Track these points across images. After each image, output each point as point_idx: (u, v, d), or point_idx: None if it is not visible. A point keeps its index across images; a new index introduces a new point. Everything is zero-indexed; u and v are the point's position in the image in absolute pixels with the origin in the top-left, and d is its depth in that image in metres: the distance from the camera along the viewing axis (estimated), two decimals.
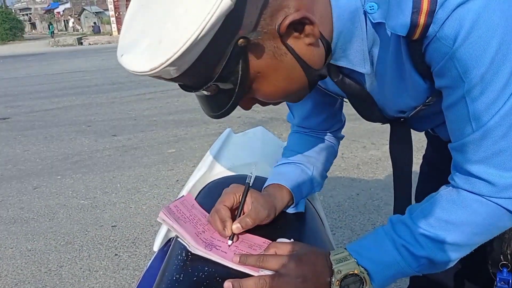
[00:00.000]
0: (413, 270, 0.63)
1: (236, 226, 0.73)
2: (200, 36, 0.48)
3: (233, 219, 0.75)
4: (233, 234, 0.74)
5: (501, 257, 0.76)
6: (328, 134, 0.96)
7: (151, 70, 0.51)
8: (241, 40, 0.52)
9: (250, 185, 0.78)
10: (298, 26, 0.56)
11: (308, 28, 0.56)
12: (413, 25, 0.54)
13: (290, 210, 0.86)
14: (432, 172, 1.05)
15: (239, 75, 0.55)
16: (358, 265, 0.63)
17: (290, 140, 0.97)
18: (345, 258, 0.64)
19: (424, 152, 1.10)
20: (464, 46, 0.53)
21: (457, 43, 0.53)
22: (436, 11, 0.52)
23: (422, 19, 0.53)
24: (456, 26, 0.52)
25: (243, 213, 0.76)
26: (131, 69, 0.53)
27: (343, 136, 1.01)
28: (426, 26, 0.54)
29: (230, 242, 0.73)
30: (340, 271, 0.63)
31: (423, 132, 0.95)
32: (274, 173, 0.89)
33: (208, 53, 0.52)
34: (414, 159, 0.84)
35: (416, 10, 0.53)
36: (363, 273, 0.63)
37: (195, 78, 0.56)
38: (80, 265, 2.15)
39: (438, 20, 0.53)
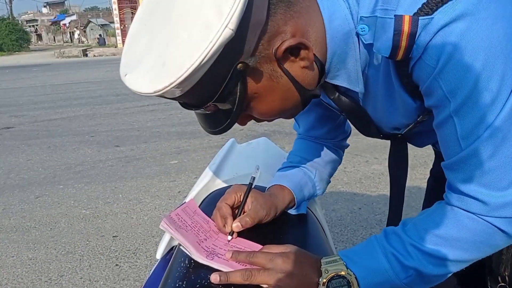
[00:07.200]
0: (401, 281, 0.63)
1: (236, 225, 0.77)
2: (202, 63, 0.51)
3: (234, 217, 0.79)
4: (233, 231, 0.78)
5: (499, 279, 0.75)
6: (333, 142, 0.98)
7: (155, 92, 0.54)
8: (240, 65, 0.55)
9: (252, 186, 0.82)
10: (294, 50, 0.59)
11: (303, 53, 0.59)
12: (395, 46, 0.55)
13: (292, 211, 0.89)
14: (437, 186, 1.05)
15: (237, 96, 0.59)
16: (347, 268, 0.64)
17: (295, 146, 1.00)
18: (335, 260, 0.66)
19: (431, 167, 1.10)
20: (447, 67, 0.54)
21: (440, 64, 0.54)
22: (418, 33, 0.54)
23: (403, 41, 0.55)
24: (439, 48, 0.53)
25: (244, 212, 0.80)
26: (135, 90, 0.56)
27: (348, 145, 1.03)
28: (408, 48, 0.55)
29: (229, 237, 0.77)
30: (328, 271, 0.64)
31: (425, 147, 0.96)
32: (277, 175, 0.92)
33: (209, 76, 0.55)
34: (417, 174, 0.85)
35: (397, 32, 0.54)
36: (350, 276, 0.63)
37: (196, 98, 0.59)
38: (80, 275, 2.14)
39: (421, 42, 0.54)
